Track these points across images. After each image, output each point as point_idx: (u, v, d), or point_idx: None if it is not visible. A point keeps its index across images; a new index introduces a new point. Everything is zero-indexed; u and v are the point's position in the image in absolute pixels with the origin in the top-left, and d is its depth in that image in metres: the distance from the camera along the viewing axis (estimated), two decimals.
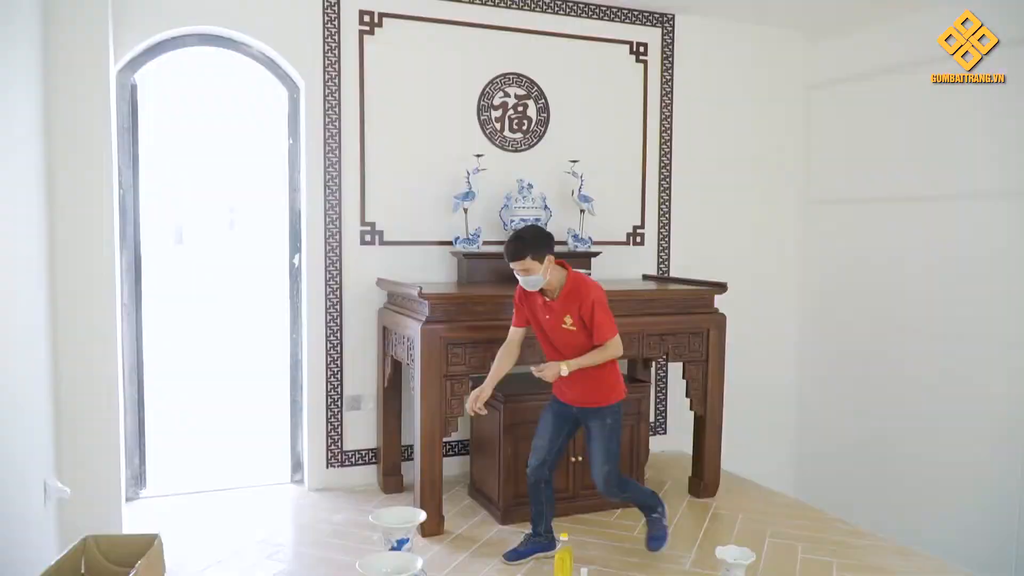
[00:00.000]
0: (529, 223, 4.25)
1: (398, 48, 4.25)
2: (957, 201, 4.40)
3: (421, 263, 4.34)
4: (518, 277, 3.14)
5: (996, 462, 4.16)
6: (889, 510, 4.69)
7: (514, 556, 3.32)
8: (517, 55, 4.52)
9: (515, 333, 3.34)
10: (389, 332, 4.02)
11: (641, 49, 4.83)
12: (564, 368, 3.10)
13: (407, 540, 2.84)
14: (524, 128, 4.57)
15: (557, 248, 4.47)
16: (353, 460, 4.31)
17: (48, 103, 3.14)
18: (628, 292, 3.90)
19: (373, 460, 4.34)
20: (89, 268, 3.29)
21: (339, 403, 4.26)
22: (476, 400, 3.25)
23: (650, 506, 3.43)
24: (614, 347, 3.15)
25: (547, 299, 3.18)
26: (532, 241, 3.06)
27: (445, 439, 3.76)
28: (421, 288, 3.50)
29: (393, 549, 2.81)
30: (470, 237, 4.24)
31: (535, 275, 3.08)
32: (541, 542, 3.34)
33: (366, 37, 4.19)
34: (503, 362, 3.32)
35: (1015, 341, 4.09)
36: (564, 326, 3.16)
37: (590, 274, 3.93)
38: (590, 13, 4.66)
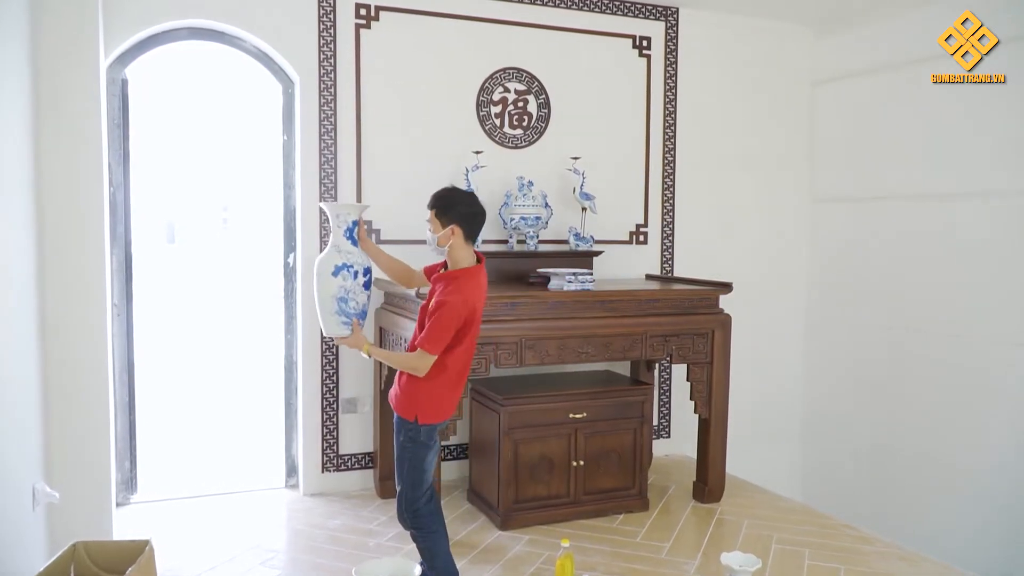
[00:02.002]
0: (529, 221, 4.27)
1: (395, 42, 4.25)
2: (967, 199, 4.41)
3: (419, 262, 4.31)
4: None
5: (1008, 465, 4.16)
6: (898, 515, 4.69)
7: None
8: (517, 49, 4.52)
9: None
10: (386, 333, 4.03)
11: (644, 43, 4.83)
12: (365, 350, 2.81)
13: None
14: (524, 124, 4.57)
15: (557, 247, 4.54)
16: (349, 464, 4.31)
17: (37, 98, 3.14)
18: (631, 292, 3.90)
19: (370, 464, 4.34)
20: (79, 267, 3.29)
21: (335, 405, 4.26)
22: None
23: (429, 560, 2.89)
24: (417, 360, 2.69)
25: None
26: (441, 199, 2.78)
27: (443, 442, 3.77)
28: (418, 288, 3.50)
29: None
30: None
31: (430, 233, 2.81)
32: None
33: (362, 31, 4.19)
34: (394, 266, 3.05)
35: None
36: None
37: (590, 274, 3.93)
38: (592, 6, 4.66)
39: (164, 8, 3.83)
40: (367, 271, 2.88)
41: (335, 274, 2.82)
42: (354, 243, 2.88)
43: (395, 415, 2.84)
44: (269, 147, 4.42)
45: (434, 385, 2.76)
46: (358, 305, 2.86)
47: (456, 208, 2.75)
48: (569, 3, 4.60)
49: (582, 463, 3.86)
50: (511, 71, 4.52)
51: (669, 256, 4.99)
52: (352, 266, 2.84)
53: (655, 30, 4.85)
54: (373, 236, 4.25)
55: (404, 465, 2.81)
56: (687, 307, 4.01)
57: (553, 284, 3.87)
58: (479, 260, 2.84)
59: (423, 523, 2.82)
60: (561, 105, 4.63)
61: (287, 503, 4.14)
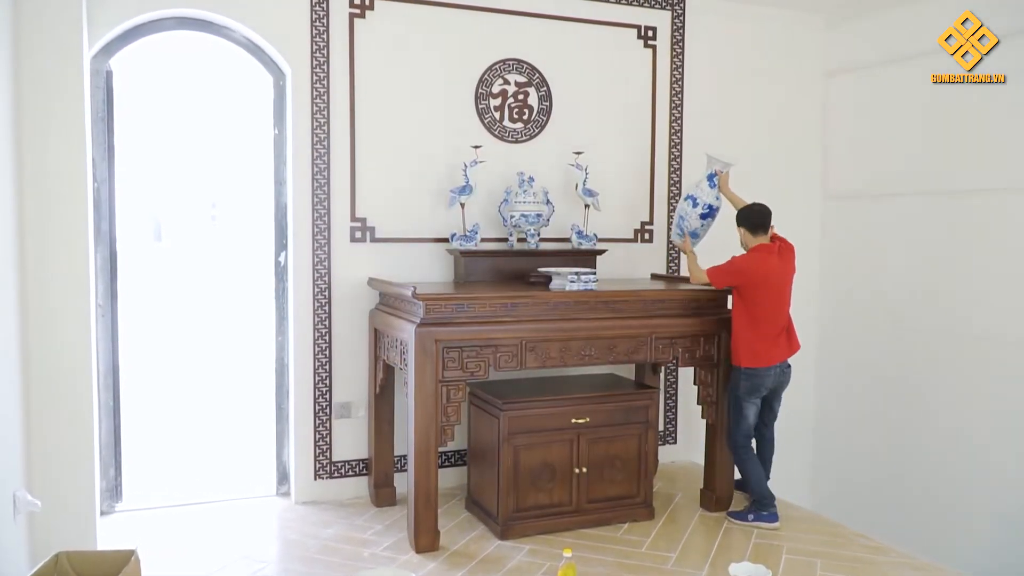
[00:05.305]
0: (530, 219, 4.27)
1: (391, 32, 4.25)
2: (986, 196, 4.41)
3: (415, 261, 4.34)
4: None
5: None
6: (911, 524, 4.69)
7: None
8: (517, 40, 4.51)
9: None
10: (381, 335, 4.02)
11: (649, 33, 4.83)
12: (687, 248, 4.27)
13: None
14: (525, 118, 4.57)
15: (559, 246, 4.55)
16: (343, 471, 4.31)
17: (18, 91, 3.14)
18: (636, 292, 3.90)
19: (364, 471, 4.34)
20: (62, 266, 3.28)
21: (328, 410, 4.26)
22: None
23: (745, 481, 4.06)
24: (698, 272, 4.02)
25: None
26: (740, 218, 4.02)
27: (441, 449, 3.76)
28: (415, 288, 3.50)
29: None
30: (467, 234, 4.24)
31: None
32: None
33: (357, 21, 4.18)
34: None
35: None
36: None
37: (593, 274, 3.93)
38: None
39: None
40: (708, 207, 4.21)
41: (685, 199, 4.30)
42: (712, 185, 4.18)
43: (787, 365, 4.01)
44: (259, 142, 4.42)
45: (748, 336, 3.89)
46: (690, 225, 4.27)
47: (739, 219, 4.01)
48: None
49: (585, 470, 3.86)
50: (511, 62, 4.51)
51: (676, 255, 4.98)
52: (696, 198, 4.22)
53: (661, 20, 4.85)
54: (367, 235, 4.26)
55: (728, 406, 4.01)
56: (694, 308, 4.01)
57: (555, 284, 3.86)
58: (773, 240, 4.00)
59: (739, 456, 4.00)
60: (563, 98, 4.62)
61: (278, 511, 4.14)
